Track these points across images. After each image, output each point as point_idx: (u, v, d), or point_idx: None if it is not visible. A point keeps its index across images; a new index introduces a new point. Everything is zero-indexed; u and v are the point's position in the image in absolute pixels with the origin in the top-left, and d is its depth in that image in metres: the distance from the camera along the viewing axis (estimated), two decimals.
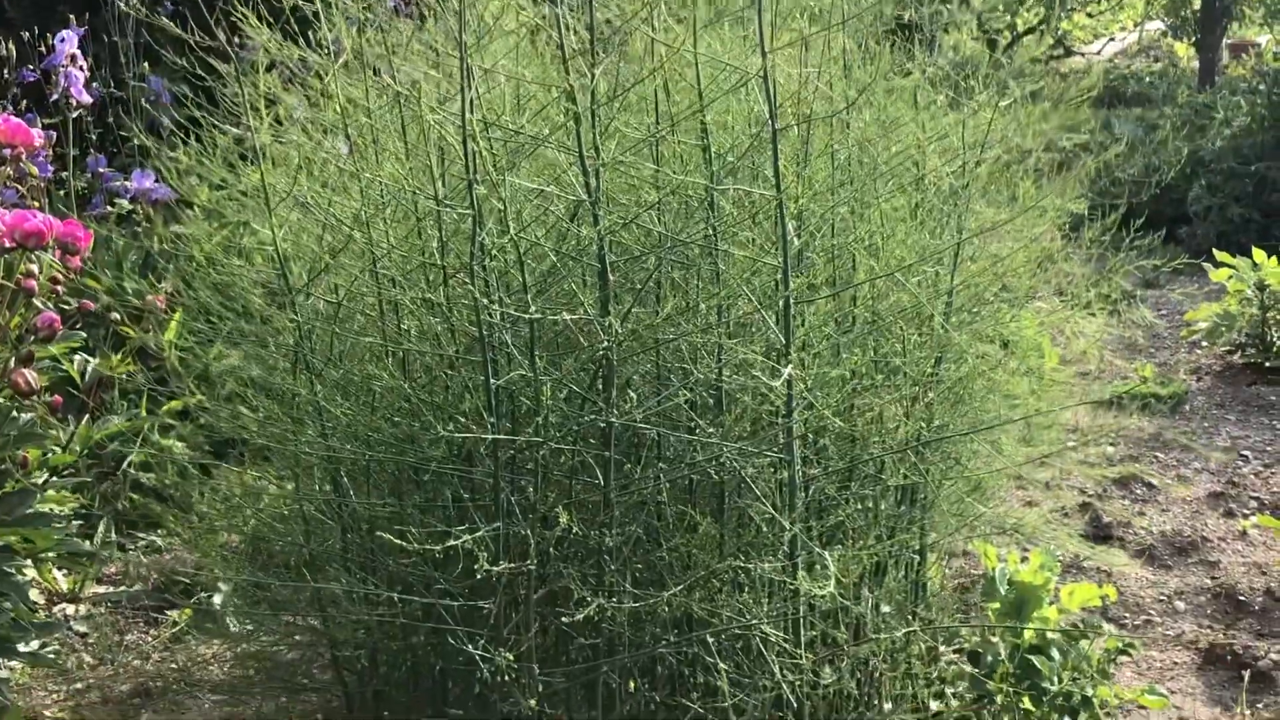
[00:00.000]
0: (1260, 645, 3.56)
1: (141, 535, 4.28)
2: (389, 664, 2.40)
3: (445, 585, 2.04)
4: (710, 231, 2.07)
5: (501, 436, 1.98)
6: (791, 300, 2.04)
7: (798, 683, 2.09)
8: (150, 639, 3.90)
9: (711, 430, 2.11)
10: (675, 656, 2.21)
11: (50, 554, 3.67)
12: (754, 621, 2.08)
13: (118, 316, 3.41)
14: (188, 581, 4.07)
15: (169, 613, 3.98)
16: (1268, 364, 6.01)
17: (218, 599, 3.97)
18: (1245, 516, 4.46)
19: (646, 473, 2.12)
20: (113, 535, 4.15)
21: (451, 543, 1.82)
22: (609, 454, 2.06)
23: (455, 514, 2.13)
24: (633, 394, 2.14)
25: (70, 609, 4.02)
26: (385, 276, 2.19)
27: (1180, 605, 3.86)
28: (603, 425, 2.05)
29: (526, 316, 1.95)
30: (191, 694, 3.62)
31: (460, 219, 2.07)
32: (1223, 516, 4.48)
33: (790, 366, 1.98)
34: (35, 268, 2.70)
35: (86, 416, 3.19)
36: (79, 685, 3.65)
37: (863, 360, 2.30)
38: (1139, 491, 4.72)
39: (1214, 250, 6.20)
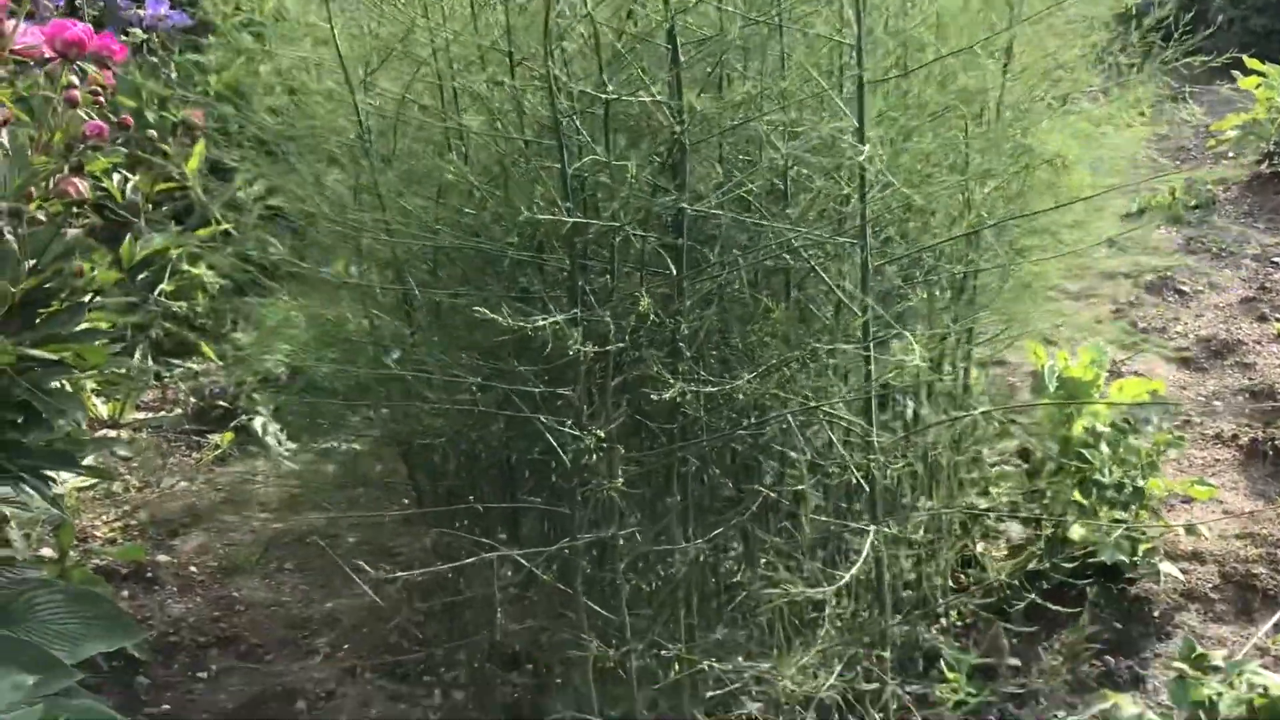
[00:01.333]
0: None
1: (177, 362, 4.29)
2: (460, 457, 2.41)
3: (524, 370, 2.04)
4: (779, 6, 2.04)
5: (579, 219, 1.96)
6: (864, 78, 2.01)
7: (871, 463, 2.11)
8: (193, 462, 3.93)
9: (790, 212, 2.10)
10: (750, 440, 2.23)
11: (90, 378, 3.67)
12: (829, 403, 2.09)
13: (154, 134, 3.36)
14: (228, 405, 4.09)
15: (210, 436, 4.01)
16: None
17: (259, 422, 4.00)
18: (1278, 320, 4.46)
19: (720, 259, 2.11)
20: (149, 362, 4.16)
21: (538, 321, 1.82)
22: (681, 240, 2.04)
23: (530, 306, 2.12)
24: (702, 185, 2.12)
25: (112, 434, 4.03)
26: (448, 62, 2.15)
27: (1218, 405, 3.88)
28: (675, 211, 2.03)
29: (603, 96, 1.92)
30: (239, 513, 3.67)
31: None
32: (1256, 321, 4.49)
33: (868, 145, 1.95)
34: (76, 79, 2.66)
35: (129, 235, 3.17)
36: (126, 507, 3.68)
37: (930, 146, 2.28)
38: (1171, 299, 4.71)
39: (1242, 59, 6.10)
